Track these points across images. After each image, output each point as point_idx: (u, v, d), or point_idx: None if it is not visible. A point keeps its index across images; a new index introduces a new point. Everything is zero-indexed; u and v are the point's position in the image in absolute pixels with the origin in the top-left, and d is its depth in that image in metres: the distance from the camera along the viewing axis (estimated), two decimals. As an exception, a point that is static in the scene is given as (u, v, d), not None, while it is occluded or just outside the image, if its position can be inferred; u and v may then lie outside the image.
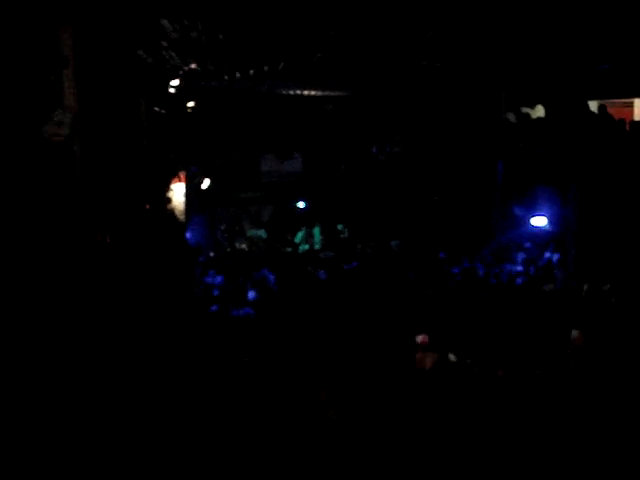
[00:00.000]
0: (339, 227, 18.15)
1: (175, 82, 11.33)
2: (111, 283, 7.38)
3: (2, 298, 4.91)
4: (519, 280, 12.19)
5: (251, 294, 11.89)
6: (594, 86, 11.51)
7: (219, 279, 12.92)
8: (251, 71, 10.95)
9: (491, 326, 9.12)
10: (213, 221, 18.32)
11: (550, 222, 14.23)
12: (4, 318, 4.88)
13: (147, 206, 10.03)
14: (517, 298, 10.98)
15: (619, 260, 10.76)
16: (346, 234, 18.06)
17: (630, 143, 11.28)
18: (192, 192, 14.91)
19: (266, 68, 10.85)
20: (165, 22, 7.42)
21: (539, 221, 14.55)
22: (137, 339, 7.56)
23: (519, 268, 12.96)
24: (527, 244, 14.81)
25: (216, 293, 12.16)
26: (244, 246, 17.18)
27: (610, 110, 11.99)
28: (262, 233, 17.89)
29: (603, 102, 12.29)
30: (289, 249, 16.86)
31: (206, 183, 15.86)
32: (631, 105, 13.69)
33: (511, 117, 15.60)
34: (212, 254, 15.91)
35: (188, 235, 13.91)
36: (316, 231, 17.77)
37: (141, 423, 6.21)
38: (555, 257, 13.23)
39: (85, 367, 5.92)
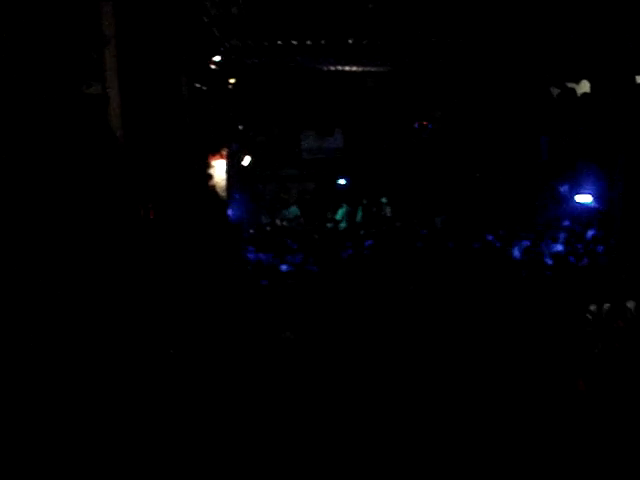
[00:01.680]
0: (383, 200, 18.07)
1: (216, 58, 11.37)
2: (155, 259, 7.50)
3: (44, 270, 5.02)
4: (561, 258, 12.03)
5: (284, 267, 11.98)
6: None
7: (260, 256, 13.02)
8: (293, 44, 10.92)
9: (529, 305, 9.02)
10: (254, 198, 18.43)
11: (595, 199, 14.00)
12: (47, 289, 4.99)
13: (189, 184, 10.13)
14: (558, 277, 10.84)
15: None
16: (388, 212, 18.01)
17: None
18: (233, 169, 15.00)
19: (308, 43, 10.82)
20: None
21: (584, 198, 14.33)
22: (181, 314, 7.69)
23: (559, 247, 12.78)
24: (569, 222, 14.60)
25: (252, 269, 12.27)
26: (285, 222, 17.26)
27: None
28: (295, 210, 17.95)
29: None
30: (329, 225, 16.86)
31: (247, 160, 15.93)
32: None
33: (556, 92, 15.33)
34: (252, 231, 16.00)
35: (230, 212, 14.02)
36: (359, 210, 17.76)
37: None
38: (599, 234, 13.02)
39: (130, 341, 6.03)
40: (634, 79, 11.71)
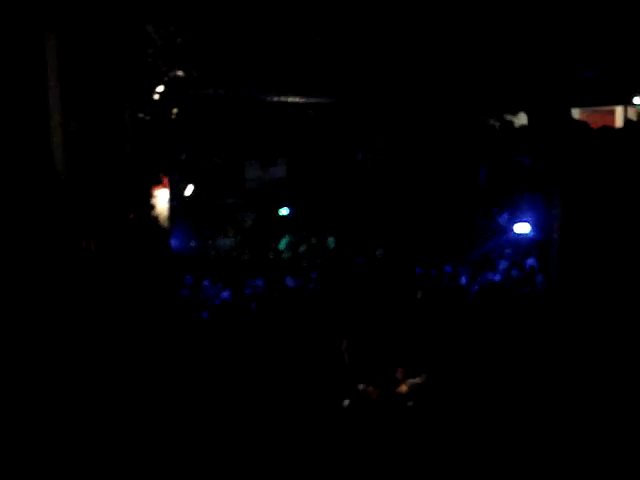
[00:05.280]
0: (330, 240, 18.13)
1: (160, 88, 11.31)
2: (96, 289, 7.35)
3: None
4: (499, 287, 12.23)
5: (225, 294, 11.85)
6: (577, 94, 11.61)
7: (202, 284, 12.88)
8: (237, 75, 10.95)
9: (470, 335, 9.09)
10: (197, 228, 18.25)
11: (533, 229, 14.30)
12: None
13: (131, 215, 9.99)
14: (497, 307, 10.97)
15: (601, 265, 10.83)
16: (332, 243, 18.02)
17: (613, 150, 11.40)
18: (176, 199, 14.86)
19: (251, 75, 10.86)
20: (150, 28, 7.41)
21: (522, 228, 14.62)
22: (120, 343, 7.52)
23: (497, 277, 12.99)
24: (509, 251, 14.86)
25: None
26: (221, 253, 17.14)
27: (593, 117, 12.12)
28: (230, 242, 17.89)
29: (586, 109, 12.44)
30: (272, 256, 16.77)
31: (190, 189, 15.80)
32: (613, 113, 13.87)
33: (494, 124, 15.71)
34: (195, 260, 15.83)
35: (172, 242, 13.84)
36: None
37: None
38: (537, 264, 13.29)
39: (71, 370, 5.88)
40: (569, 112, 12.12)
